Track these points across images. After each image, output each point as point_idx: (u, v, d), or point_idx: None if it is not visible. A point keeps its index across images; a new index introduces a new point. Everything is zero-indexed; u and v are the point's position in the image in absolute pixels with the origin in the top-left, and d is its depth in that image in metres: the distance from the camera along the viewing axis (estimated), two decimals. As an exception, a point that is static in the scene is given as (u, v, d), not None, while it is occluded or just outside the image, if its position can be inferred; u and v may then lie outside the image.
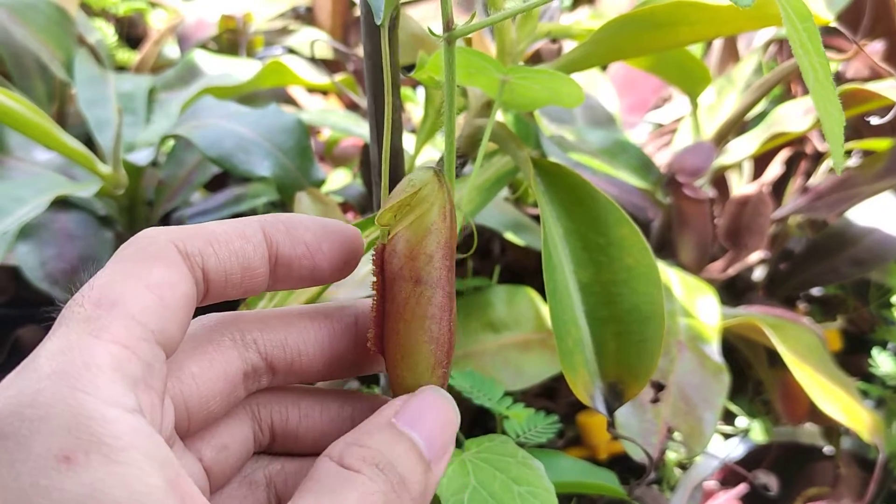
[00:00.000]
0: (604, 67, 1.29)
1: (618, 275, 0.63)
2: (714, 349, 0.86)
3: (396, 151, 0.67)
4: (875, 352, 0.97)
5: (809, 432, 1.01)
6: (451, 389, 0.90)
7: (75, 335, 0.33)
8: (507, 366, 0.92)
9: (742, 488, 1.02)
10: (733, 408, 1.02)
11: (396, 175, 0.69)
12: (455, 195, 0.73)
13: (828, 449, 1.04)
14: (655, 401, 0.79)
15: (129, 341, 0.34)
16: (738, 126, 0.95)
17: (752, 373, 1.07)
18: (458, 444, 0.64)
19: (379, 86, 0.63)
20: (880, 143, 0.97)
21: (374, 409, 0.42)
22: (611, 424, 0.62)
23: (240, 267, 0.40)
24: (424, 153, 1.00)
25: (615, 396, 0.62)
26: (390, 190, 0.68)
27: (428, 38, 0.82)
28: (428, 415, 0.41)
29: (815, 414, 0.95)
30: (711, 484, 1.06)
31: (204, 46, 1.22)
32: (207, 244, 0.39)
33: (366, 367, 0.48)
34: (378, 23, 0.48)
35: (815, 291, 1.20)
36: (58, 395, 0.31)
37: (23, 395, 0.31)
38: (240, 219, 0.42)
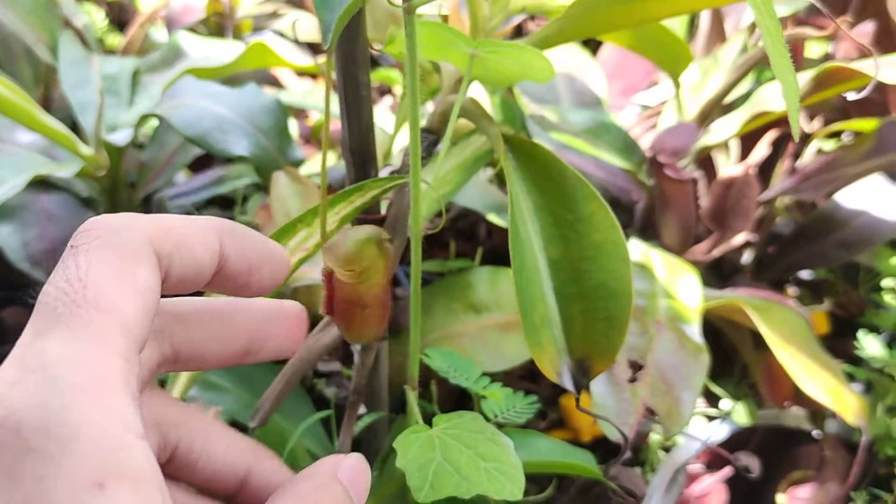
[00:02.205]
0: (586, 45, 1.28)
1: (586, 251, 0.63)
2: (694, 330, 0.85)
3: (366, 128, 0.67)
4: (861, 334, 0.96)
5: (795, 415, 1.01)
6: (428, 370, 0.90)
7: (86, 344, 0.33)
8: (487, 347, 0.92)
9: (727, 471, 1.02)
10: (717, 390, 1.02)
11: (366, 153, 0.69)
12: (428, 176, 0.73)
13: (815, 433, 1.03)
14: (633, 380, 0.79)
15: (127, 354, 0.34)
16: (720, 105, 0.95)
17: (738, 357, 1.06)
18: (428, 421, 0.64)
19: (348, 61, 0.63)
20: (867, 124, 0.96)
21: (277, 471, 0.50)
22: (578, 401, 0.62)
23: (193, 273, 0.40)
24: (403, 132, 1.00)
25: (582, 373, 0.61)
26: (356, 175, 0.68)
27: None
28: (360, 477, 0.49)
29: (798, 396, 0.95)
30: (696, 467, 1.06)
31: (192, 30, 1.22)
32: (176, 248, 0.39)
33: (287, 354, 0.51)
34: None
35: (805, 275, 1.19)
36: (85, 415, 0.31)
37: (48, 409, 0.31)
38: (201, 221, 0.42)
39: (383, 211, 0.69)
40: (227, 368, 0.82)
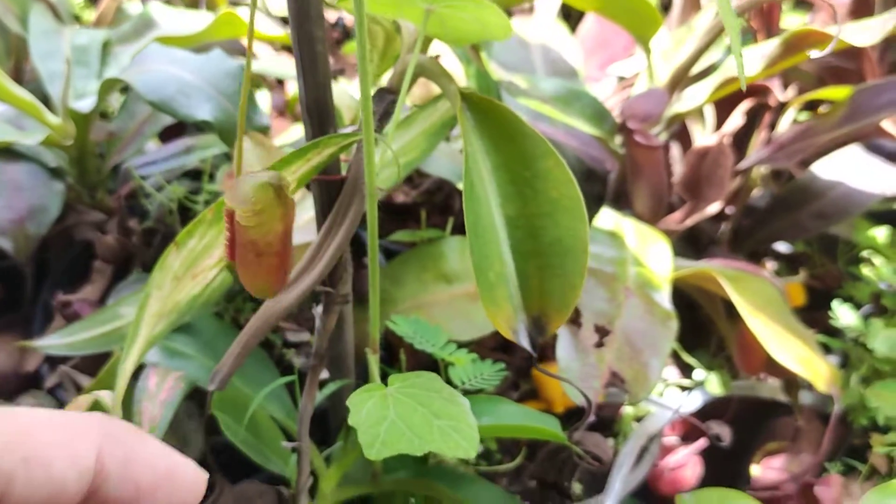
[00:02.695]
0: (566, 20, 1.28)
1: (542, 208, 0.62)
2: (664, 296, 0.84)
3: (322, 84, 0.66)
4: (836, 304, 0.96)
5: (770, 387, 1.00)
6: (400, 341, 0.89)
7: None
8: (457, 316, 0.91)
9: (701, 443, 1.01)
10: (691, 361, 1.01)
11: (324, 111, 0.68)
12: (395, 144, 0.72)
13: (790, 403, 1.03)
14: (599, 345, 0.78)
15: None
16: (693, 74, 0.94)
17: (714, 329, 1.06)
18: (384, 380, 0.64)
19: (303, 17, 0.62)
20: (841, 92, 0.95)
21: None
22: (535, 360, 0.61)
23: (46, 496, 0.31)
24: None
25: (538, 330, 0.61)
26: (314, 134, 0.67)
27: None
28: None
29: (771, 365, 0.94)
30: (671, 440, 1.05)
31: (167, 2, 1.21)
32: (24, 462, 0.31)
33: None
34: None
35: (782, 248, 1.19)
36: None
37: None
38: (79, 422, 0.33)
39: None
40: (191, 334, 0.81)
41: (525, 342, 0.60)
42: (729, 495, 0.89)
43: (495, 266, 0.61)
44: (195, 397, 0.82)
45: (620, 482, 0.85)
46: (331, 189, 0.69)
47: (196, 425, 0.83)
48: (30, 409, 0.32)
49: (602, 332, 0.79)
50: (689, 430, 1.06)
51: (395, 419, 0.58)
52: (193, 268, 0.69)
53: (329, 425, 0.90)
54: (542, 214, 0.62)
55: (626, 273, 0.85)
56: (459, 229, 1.01)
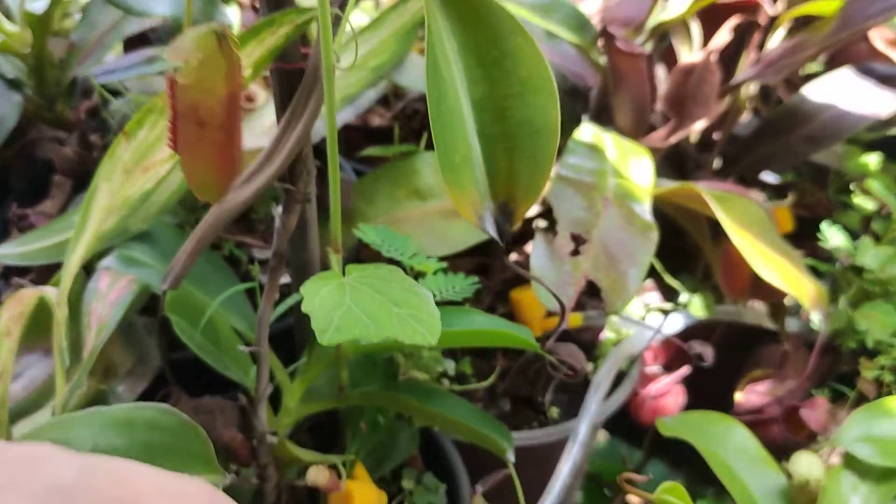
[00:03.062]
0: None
1: (512, 88, 0.58)
2: (644, 208, 0.81)
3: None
4: (825, 225, 0.92)
5: (756, 312, 0.97)
6: (367, 252, 0.86)
7: None
8: (431, 233, 0.88)
9: (684, 370, 0.98)
10: (674, 283, 0.98)
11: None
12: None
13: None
14: (575, 253, 0.75)
15: None
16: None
17: (700, 255, 1.02)
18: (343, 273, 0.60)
19: None
20: (832, 4, 0.91)
21: None
22: (504, 251, 0.58)
23: None
24: None
25: (505, 217, 0.57)
26: (269, 9, 0.63)
27: None
28: None
29: (757, 288, 0.91)
30: (654, 368, 1.02)
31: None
32: None
33: None
34: None
35: (771, 179, 1.15)
36: None
37: None
38: (191, 494, 0.33)
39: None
40: (150, 243, 0.78)
41: (491, 229, 0.56)
42: (711, 417, 0.86)
43: (460, 149, 0.57)
44: (154, 313, 0.78)
45: (596, 405, 0.82)
46: (291, 79, 0.65)
47: (155, 341, 0.80)
48: (140, 470, 0.32)
49: (578, 240, 0.75)
50: (672, 358, 1.03)
51: (351, 305, 0.55)
52: (144, 161, 0.65)
53: (295, 344, 0.87)
54: (512, 95, 0.58)
55: (606, 184, 0.81)
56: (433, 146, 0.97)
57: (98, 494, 0.30)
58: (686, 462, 1.18)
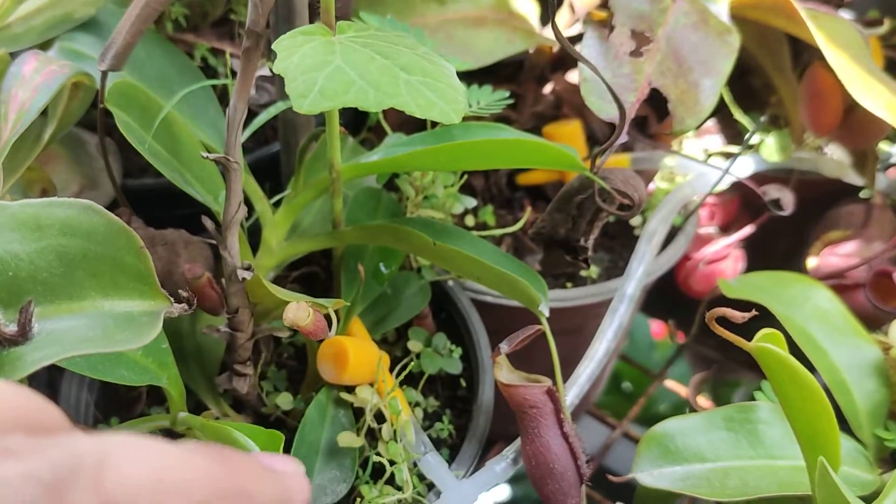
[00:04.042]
0: None
1: None
2: (721, 8, 0.65)
3: None
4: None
5: (837, 163, 0.81)
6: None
7: None
8: (452, 42, 0.72)
9: (748, 229, 0.83)
10: (745, 121, 0.81)
11: None
12: None
13: (864, 194, 0.84)
14: (637, 54, 0.58)
15: None
16: None
17: (772, 95, 0.85)
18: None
19: None
20: None
21: None
22: (538, 80, 0.42)
23: None
24: None
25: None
26: None
27: None
28: None
29: (846, 125, 0.75)
30: (710, 229, 0.87)
31: None
32: None
33: None
34: None
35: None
36: None
37: None
38: (294, 477, 0.32)
39: None
40: (97, 34, 0.62)
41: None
42: (785, 277, 0.71)
43: None
44: (112, 133, 0.63)
45: (650, 256, 0.67)
46: None
47: (105, 165, 0.65)
48: (240, 457, 0.28)
49: (641, 39, 0.59)
50: (731, 218, 0.87)
51: (342, 65, 0.39)
52: None
53: (281, 174, 0.71)
54: None
55: (675, -25, 0.64)
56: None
57: None
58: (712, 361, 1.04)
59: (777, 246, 0.86)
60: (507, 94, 0.63)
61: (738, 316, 0.37)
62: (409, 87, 0.39)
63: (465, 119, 0.62)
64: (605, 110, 0.55)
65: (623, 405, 1.03)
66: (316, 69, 0.38)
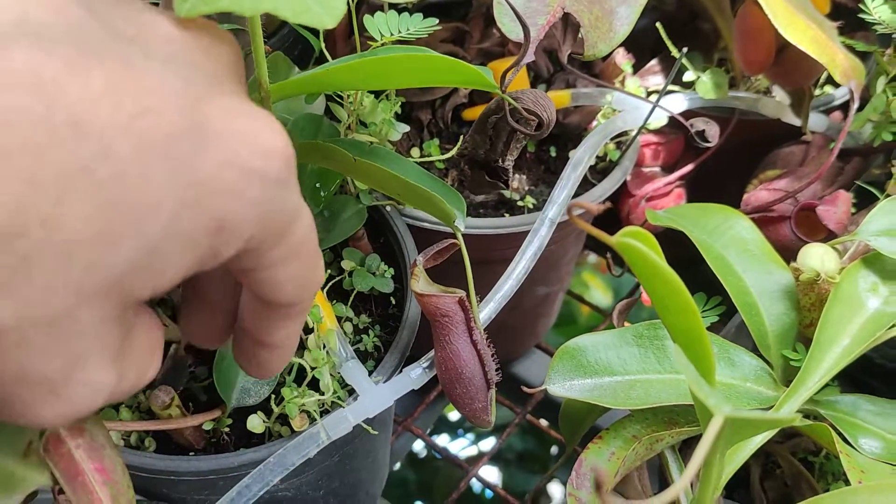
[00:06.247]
0: None
1: None
2: (645, -60, 0.66)
3: None
4: (868, -1, 0.77)
5: (776, 103, 0.82)
6: None
7: None
8: (391, -25, 0.74)
9: (688, 168, 0.85)
10: (684, 62, 0.83)
11: None
12: None
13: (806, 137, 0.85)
14: (551, -20, 0.61)
15: None
16: None
17: (719, 40, 0.87)
18: None
19: None
20: None
21: None
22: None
23: None
24: None
25: None
26: None
27: None
28: None
29: (779, 63, 0.77)
30: (654, 169, 0.89)
31: None
32: None
33: None
34: None
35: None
36: None
37: None
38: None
39: None
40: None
41: None
42: (709, 208, 0.73)
43: None
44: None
45: (573, 182, 0.70)
46: None
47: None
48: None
49: (557, -35, 0.61)
50: (674, 157, 0.90)
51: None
52: None
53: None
54: None
55: None
56: None
57: None
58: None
59: (722, 186, 0.88)
60: (436, 21, 0.65)
61: (594, 208, 0.40)
62: (287, -13, 0.41)
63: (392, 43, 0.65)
64: (516, 32, 0.58)
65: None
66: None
